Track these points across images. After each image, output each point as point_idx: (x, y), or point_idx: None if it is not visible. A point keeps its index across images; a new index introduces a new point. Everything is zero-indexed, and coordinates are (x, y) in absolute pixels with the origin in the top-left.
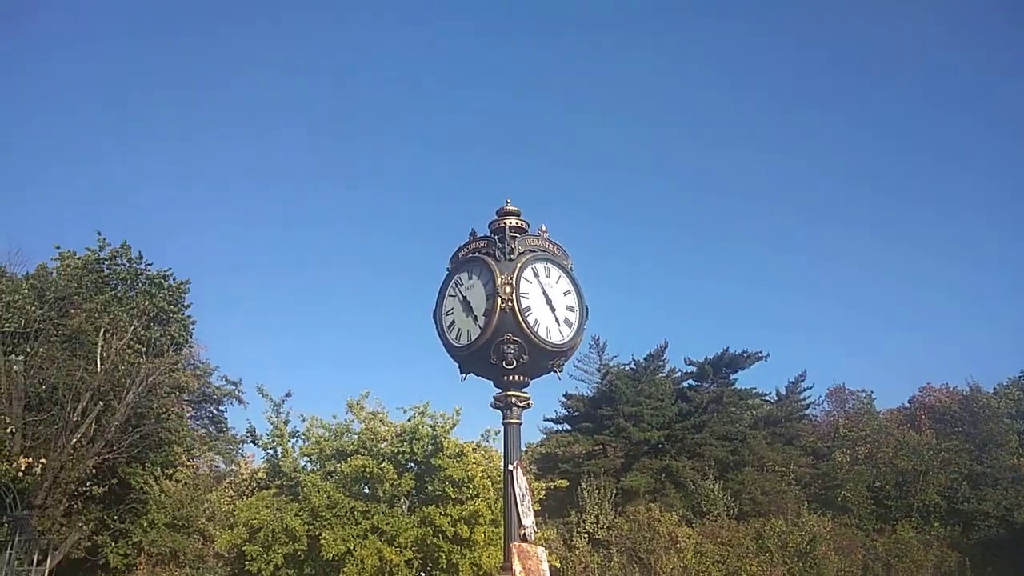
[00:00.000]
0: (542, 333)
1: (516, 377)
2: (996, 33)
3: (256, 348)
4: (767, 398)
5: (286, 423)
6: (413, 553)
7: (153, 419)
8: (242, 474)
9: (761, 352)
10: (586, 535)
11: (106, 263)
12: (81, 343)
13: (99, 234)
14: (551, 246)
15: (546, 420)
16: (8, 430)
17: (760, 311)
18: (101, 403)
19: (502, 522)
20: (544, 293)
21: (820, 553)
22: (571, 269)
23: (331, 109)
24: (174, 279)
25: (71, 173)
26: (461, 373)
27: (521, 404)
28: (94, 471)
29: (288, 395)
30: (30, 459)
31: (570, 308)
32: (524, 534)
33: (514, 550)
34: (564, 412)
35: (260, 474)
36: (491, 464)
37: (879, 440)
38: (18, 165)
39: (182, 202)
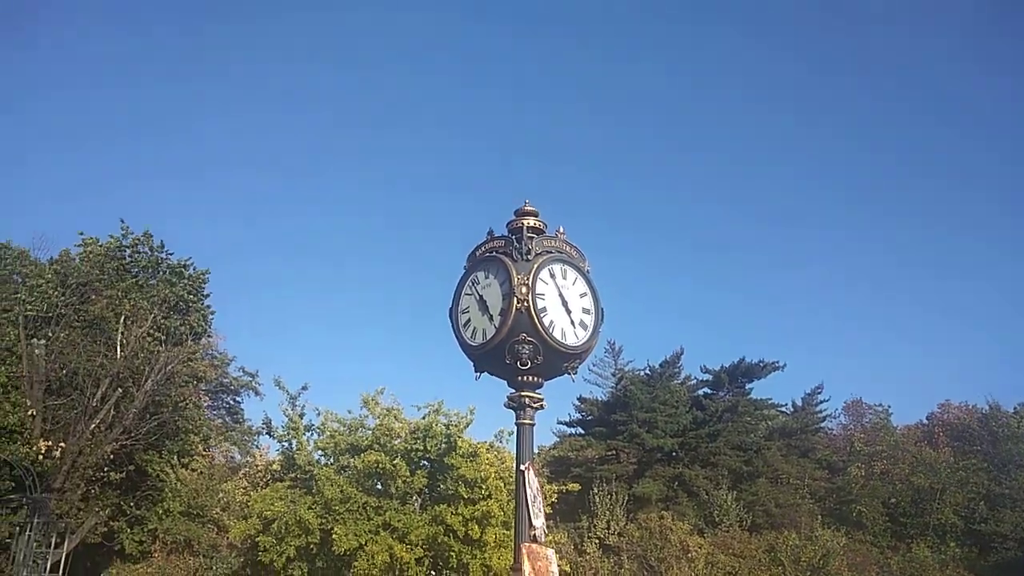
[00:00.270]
0: (557, 334)
1: (530, 378)
2: (998, 46)
3: (274, 342)
4: (783, 409)
5: (301, 416)
6: (424, 551)
7: (171, 407)
8: (257, 465)
9: (778, 362)
10: (597, 540)
11: (128, 251)
12: (102, 329)
13: (122, 221)
14: (568, 248)
15: (560, 423)
16: (29, 412)
17: (778, 322)
18: (120, 389)
19: (513, 523)
20: (560, 294)
21: (833, 568)
22: (588, 271)
23: (358, 103)
24: (194, 268)
25: (93, 160)
26: (476, 372)
27: (535, 405)
28: (112, 457)
29: (304, 388)
30: (50, 442)
31: (586, 310)
32: (534, 535)
33: (524, 550)
34: (578, 416)
35: (275, 466)
36: (504, 465)
37: (895, 456)
38: (42, 152)
39: (202, 192)
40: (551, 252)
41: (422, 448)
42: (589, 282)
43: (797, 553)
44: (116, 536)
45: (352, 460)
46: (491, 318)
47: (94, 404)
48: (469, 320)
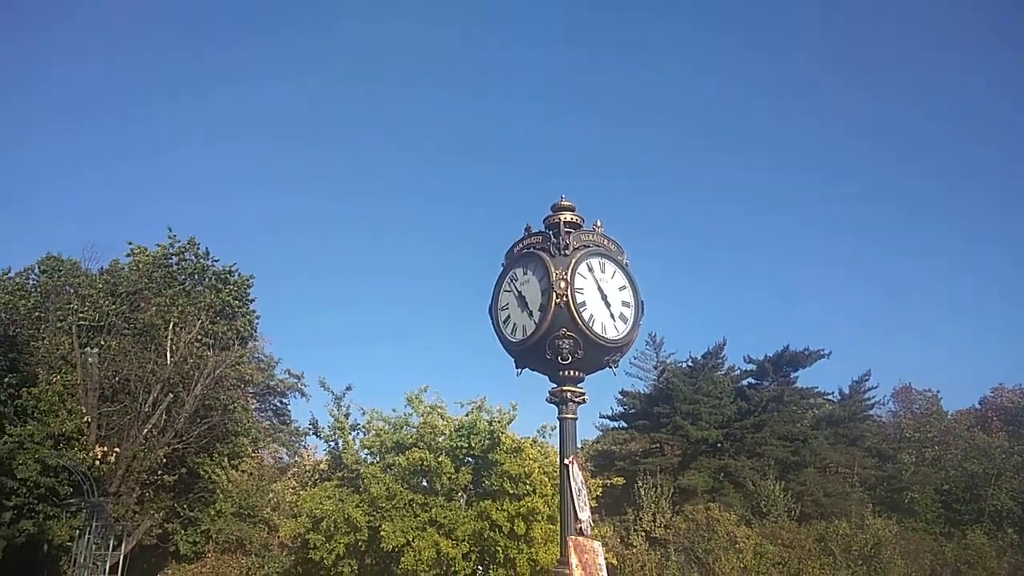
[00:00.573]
0: (597, 328)
1: (571, 372)
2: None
3: (320, 351)
4: (829, 397)
5: (347, 416)
6: (470, 547)
7: (220, 411)
8: (305, 465)
9: (823, 350)
10: (643, 533)
11: (175, 258)
12: (151, 336)
13: (170, 230)
14: (606, 241)
15: (602, 417)
16: (84, 419)
17: (822, 308)
18: (171, 395)
19: (558, 518)
20: (599, 288)
21: (885, 557)
22: (627, 264)
23: (404, 122)
24: (239, 274)
25: (146, 166)
26: (516, 368)
27: (576, 399)
28: (165, 460)
29: (349, 388)
30: (105, 448)
31: (625, 304)
32: (580, 528)
33: (571, 543)
34: (620, 409)
35: (322, 465)
36: (547, 460)
37: (947, 442)
38: (95, 160)
39: (257, 203)
40: (589, 246)
41: (466, 445)
42: (628, 275)
43: (848, 542)
44: (171, 537)
45: (397, 458)
46: (531, 314)
47: (146, 409)
48: (509, 317)
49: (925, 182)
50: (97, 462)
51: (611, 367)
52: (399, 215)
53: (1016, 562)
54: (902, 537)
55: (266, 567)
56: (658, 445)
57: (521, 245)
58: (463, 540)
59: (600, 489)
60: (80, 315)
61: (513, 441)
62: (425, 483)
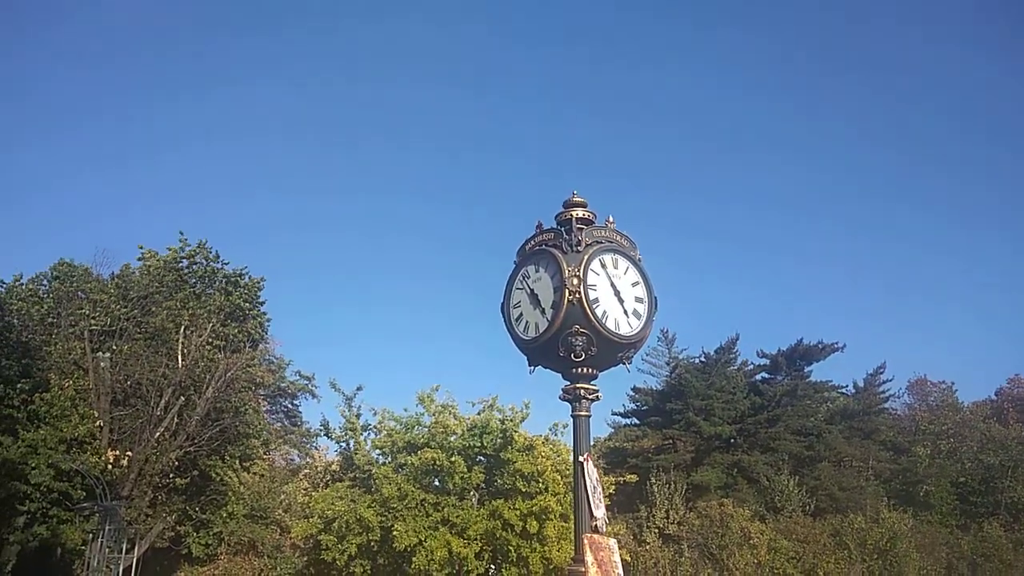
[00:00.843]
0: (610, 325)
1: (584, 369)
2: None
3: (331, 352)
4: (844, 391)
5: (358, 416)
6: (482, 546)
7: (231, 413)
8: (316, 466)
9: (837, 343)
10: (656, 530)
11: (185, 262)
12: (163, 340)
13: (181, 233)
14: (619, 237)
15: (614, 414)
16: (97, 424)
17: (835, 303)
18: (182, 398)
19: (571, 517)
20: (612, 284)
21: (901, 551)
22: (639, 260)
23: (404, 122)
24: (249, 277)
25: (154, 168)
26: (529, 365)
27: (590, 396)
28: (176, 463)
29: (359, 389)
30: (117, 452)
31: (639, 299)
32: (595, 525)
33: (586, 541)
34: (632, 406)
35: (334, 466)
36: (560, 458)
37: (963, 434)
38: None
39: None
40: (601, 242)
41: (478, 444)
42: (641, 271)
43: (863, 536)
44: (183, 540)
45: (409, 458)
46: (543, 311)
47: (158, 413)
48: (521, 315)
49: (936, 178)
50: (109, 466)
51: (624, 364)
52: (399, 215)
53: None
54: (917, 530)
55: (278, 568)
56: (671, 441)
57: (533, 242)
58: (475, 539)
59: (613, 487)
60: (92, 320)
61: (525, 439)
62: (437, 483)
